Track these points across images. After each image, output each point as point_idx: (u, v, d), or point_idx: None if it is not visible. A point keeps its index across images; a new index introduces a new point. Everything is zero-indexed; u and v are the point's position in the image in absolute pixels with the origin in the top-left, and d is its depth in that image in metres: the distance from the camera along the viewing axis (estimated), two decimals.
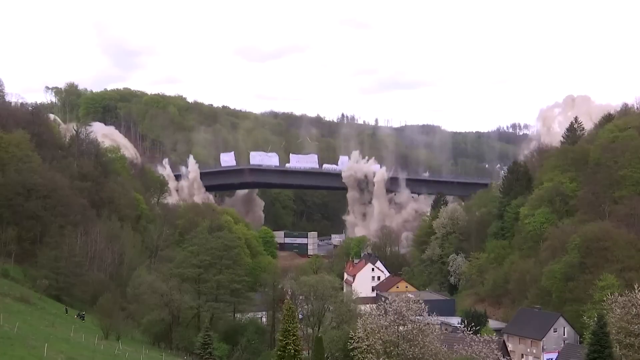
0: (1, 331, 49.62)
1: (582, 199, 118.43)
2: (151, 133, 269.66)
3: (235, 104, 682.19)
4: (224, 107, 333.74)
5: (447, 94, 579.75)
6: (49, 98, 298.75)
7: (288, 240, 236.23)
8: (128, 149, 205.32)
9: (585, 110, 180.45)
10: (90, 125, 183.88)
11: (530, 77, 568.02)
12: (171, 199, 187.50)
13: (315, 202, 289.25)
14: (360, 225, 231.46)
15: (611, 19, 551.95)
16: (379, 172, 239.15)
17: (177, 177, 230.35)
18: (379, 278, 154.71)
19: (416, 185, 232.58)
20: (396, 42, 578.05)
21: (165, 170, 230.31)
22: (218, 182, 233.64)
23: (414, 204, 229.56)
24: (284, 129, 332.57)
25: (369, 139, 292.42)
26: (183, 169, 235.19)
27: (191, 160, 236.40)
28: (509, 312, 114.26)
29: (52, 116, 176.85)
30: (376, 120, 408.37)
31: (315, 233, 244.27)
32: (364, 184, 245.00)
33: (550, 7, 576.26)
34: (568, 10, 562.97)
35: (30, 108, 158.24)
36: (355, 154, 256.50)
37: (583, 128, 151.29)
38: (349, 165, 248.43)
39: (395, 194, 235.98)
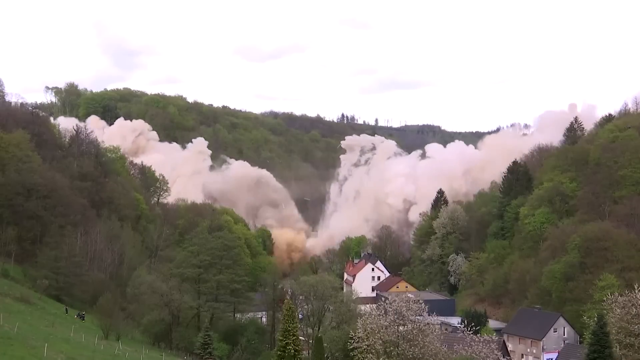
0: (1, 331, 49.58)
1: (582, 199, 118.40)
2: None
3: (235, 104, 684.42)
4: (224, 107, 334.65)
5: (447, 94, 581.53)
6: (49, 98, 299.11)
7: None
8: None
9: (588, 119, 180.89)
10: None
11: (530, 77, 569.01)
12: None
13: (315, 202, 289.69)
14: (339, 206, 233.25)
15: (612, 20, 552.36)
16: (388, 143, 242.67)
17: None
18: (379, 278, 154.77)
19: None
20: (396, 42, 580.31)
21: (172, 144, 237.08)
22: None
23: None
24: (284, 129, 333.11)
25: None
26: (191, 142, 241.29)
27: (200, 139, 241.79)
28: (509, 312, 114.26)
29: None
30: (376, 120, 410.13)
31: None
32: (367, 149, 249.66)
33: (551, 8, 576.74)
34: (568, 11, 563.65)
35: (30, 108, 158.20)
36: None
37: (583, 128, 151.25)
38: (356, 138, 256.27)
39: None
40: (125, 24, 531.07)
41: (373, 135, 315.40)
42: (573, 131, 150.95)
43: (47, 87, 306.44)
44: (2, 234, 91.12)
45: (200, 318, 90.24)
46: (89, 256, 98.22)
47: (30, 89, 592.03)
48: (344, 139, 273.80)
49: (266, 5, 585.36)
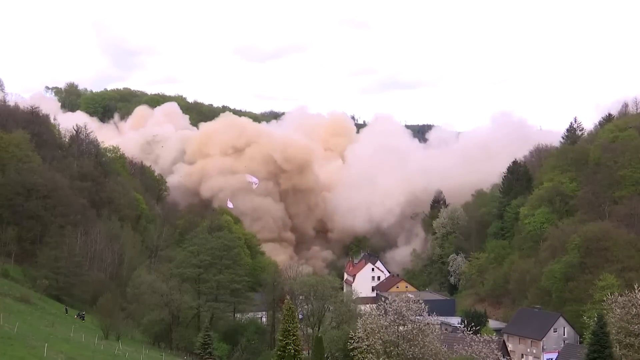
0: (1, 331, 49.60)
1: (582, 199, 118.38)
2: None
3: (235, 104, 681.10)
4: (224, 107, 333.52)
5: (447, 94, 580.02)
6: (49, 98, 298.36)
7: None
8: None
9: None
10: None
11: (530, 77, 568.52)
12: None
13: None
14: None
15: (613, 19, 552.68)
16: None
17: None
18: (379, 278, 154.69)
19: None
20: (396, 42, 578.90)
21: None
22: None
23: None
24: None
25: None
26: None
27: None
28: (509, 312, 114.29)
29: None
30: None
31: None
32: None
33: (551, 7, 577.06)
34: (569, 10, 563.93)
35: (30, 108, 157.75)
36: None
37: (583, 128, 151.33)
38: None
39: None
40: (125, 24, 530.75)
41: None
42: (572, 131, 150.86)
43: (47, 87, 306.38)
44: (2, 234, 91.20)
45: (200, 318, 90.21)
46: (89, 256, 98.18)
47: (30, 89, 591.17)
48: None
49: (266, 5, 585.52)
